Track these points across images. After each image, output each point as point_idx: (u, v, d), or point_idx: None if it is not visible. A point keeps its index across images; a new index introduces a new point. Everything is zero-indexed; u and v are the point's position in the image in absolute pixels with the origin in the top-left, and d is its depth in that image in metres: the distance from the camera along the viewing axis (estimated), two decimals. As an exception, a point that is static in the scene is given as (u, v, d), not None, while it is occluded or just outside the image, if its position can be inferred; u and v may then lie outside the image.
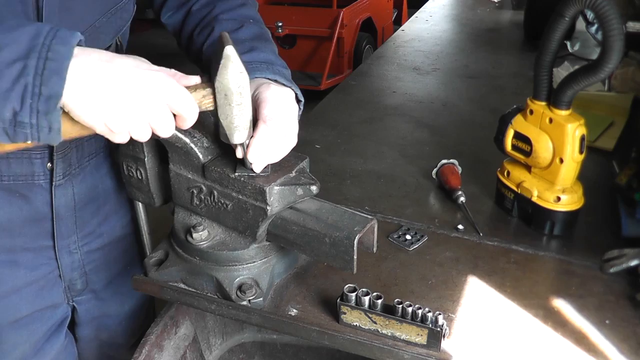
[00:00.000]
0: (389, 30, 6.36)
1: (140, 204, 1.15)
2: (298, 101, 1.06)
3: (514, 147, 1.24)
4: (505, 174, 1.28)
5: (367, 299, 0.94)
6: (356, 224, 0.93)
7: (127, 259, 1.33)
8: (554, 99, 1.15)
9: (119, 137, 0.84)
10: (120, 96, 0.79)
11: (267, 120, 0.93)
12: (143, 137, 0.85)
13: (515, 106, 1.26)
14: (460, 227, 1.25)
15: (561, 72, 1.95)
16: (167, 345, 1.13)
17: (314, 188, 0.98)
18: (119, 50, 1.15)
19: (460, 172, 1.40)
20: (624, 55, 1.46)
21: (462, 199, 1.32)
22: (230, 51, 0.84)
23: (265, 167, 0.96)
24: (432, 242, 1.21)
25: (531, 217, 1.23)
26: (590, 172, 1.28)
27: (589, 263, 1.13)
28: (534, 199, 1.21)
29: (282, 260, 1.07)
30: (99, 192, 1.22)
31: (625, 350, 0.94)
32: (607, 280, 1.08)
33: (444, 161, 1.41)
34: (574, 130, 1.13)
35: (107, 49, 1.08)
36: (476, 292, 1.06)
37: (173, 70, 0.88)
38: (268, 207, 0.95)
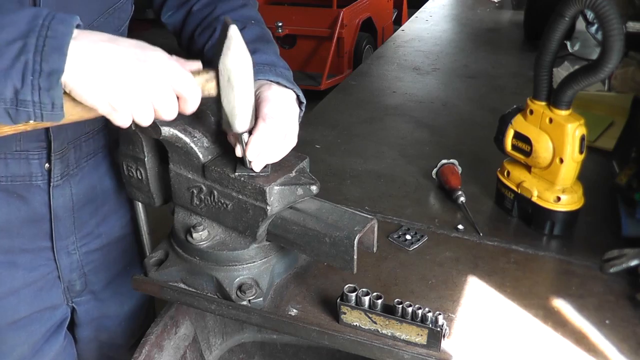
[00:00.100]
0: (389, 30, 6.35)
1: (140, 204, 1.15)
2: (300, 103, 1.06)
3: (514, 147, 1.24)
4: (505, 174, 1.28)
5: (367, 299, 0.94)
6: (356, 224, 0.93)
7: (126, 259, 1.33)
8: (554, 99, 1.15)
9: (122, 118, 0.82)
10: (123, 74, 0.79)
11: (267, 119, 0.93)
12: (145, 119, 0.84)
13: (515, 106, 1.26)
14: (460, 227, 1.25)
15: (561, 72, 1.95)
16: (167, 345, 1.13)
17: (314, 188, 0.98)
18: None
19: (460, 172, 1.40)
20: (624, 55, 1.46)
21: (462, 199, 1.32)
22: (234, 32, 0.83)
23: (265, 167, 0.96)
24: (432, 242, 1.21)
25: (531, 217, 1.23)
26: (590, 172, 1.28)
27: (589, 263, 1.13)
28: (534, 199, 1.21)
29: (282, 260, 1.07)
30: (97, 193, 1.22)
31: (625, 350, 0.94)
32: (607, 280, 1.08)
33: (444, 161, 1.41)
34: (574, 130, 1.13)
35: None
36: (476, 292, 1.06)
37: (174, 56, 0.87)
38: (268, 207, 0.95)
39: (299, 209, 0.98)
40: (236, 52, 0.84)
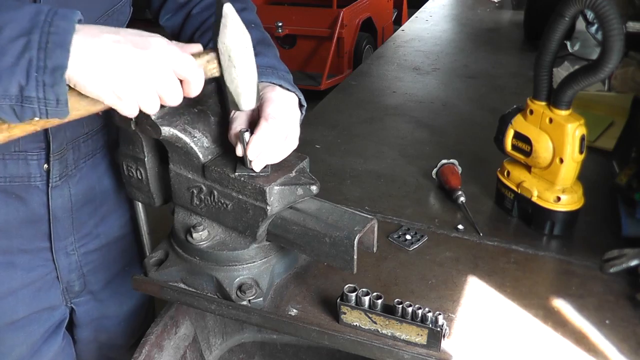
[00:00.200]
0: (389, 30, 6.35)
1: (139, 204, 1.15)
2: (301, 106, 1.07)
3: (514, 147, 1.24)
4: (505, 174, 1.28)
5: (367, 299, 0.94)
6: (356, 224, 0.93)
7: (125, 260, 1.33)
8: (554, 99, 1.15)
9: (128, 107, 0.83)
10: (126, 62, 0.79)
11: (269, 119, 0.94)
12: (152, 106, 0.84)
13: (515, 106, 1.26)
14: (460, 227, 1.25)
15: (561, 72, 1.95)
16: (167, 345, 1.13)
17: (314, 188, 0.98)
18: None
19: (460, 172, 1.40)
20: (624, 55, 1.46)
21: (462, 199, 1.32)
22: (228, 9, 0.84)
23: (265, 167, 0.96)
24: (432, 242, 1.21)
25: (531, 217, 1.23)
26: (590, 172, 1.28)
27: (589, 263, 1.13)
28: (534, 199, 1.21)
29: (282, 260, 1.07)
30: (95, 194, 1.22)
31: (625, 350, 0.94)
32: (607, 280, 1.08)
33: (444, 161, 1.41)
34: (574, 130, 1.13)
35: None
36: (476, 292, 1.06)
37: (173, 41, 0.88)
38: (268, 207, 0.95)
39: (299, 209, 0.98)
40: (233, 29, 0.85)
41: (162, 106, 0.86)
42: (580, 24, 2.28)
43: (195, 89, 0.86)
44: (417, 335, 0.92)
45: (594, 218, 1.26)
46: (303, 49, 5.52)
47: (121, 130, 1.05)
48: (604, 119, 1.69)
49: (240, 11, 1.16)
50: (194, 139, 0.98)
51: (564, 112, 1.14)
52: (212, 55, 0.87)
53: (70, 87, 0.79)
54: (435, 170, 1.42)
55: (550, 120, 1.16)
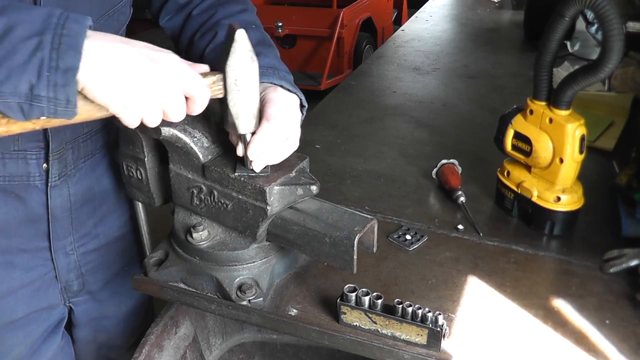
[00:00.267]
0: (389, 30, 6.35)
1: (139, 204, 1.15)
2: (302, 106, 1.07)
3: (514, 147, 1.24)
4: (505, 174, 1.28)
5: (367, 299, 0.94)
6: (356, 224, 0.93)
7: (124, 260, 1.33)
8: (554, 99, 1.15)
9: (132, 117, 0.83)
10: (137, 73, 0.80)
11: (271, 119, 0.94)
12: (154, 119, 0.85)
13: (515, 106, 1.26)
14: (460, 227, 1.25)
15: (561, 72, 1.95)
16: (167, 345, 1.13)
17: (314, 188, 0.98)
18: None
19: (460, 172, 1.40)
20: (624, 55, 1.46)
21: (462, 199, 1.32)
22: (240, 35, 0.85)
23: (265, 167, 0.96)
24: (432, 242, 1.21)
25: (531, 217, 1.23)
26: (590, 172, 1.28)
27: (589, 263, 1.13)
28: (534, 199, 1.21)
29: (282, 260, 1.07)
30: (95, 194, 1.22)
31: (625, 350, 0.94)
32: (607, 280, 1.08)
33: (444, 161, 1.41)
34: (574, 130, 1.13)
35: None
36: (476, 292, 1.06)
37: (182, 60, 0.88)
38: (268, 207, 0.95)
39: (299, 209, 0.98)
40: (243, 55, 0.86)
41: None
42: (580, 24, 2.28)
43: (199, 108, 0.88)
44: (417, 335, 0.92)
45: (594, 218, 1.26)
46: (303, 49, 5.52)
47: (121, 131, 1.05)
48: (604, 119, 1.69)
49: (240, 13, 1.17)
50: (194, 139, 0.98)
51: (564, 112, 1.14)
52: (218, 76, 0.89)
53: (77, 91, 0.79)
54: (435, 170, 1.42)
55: (550, 120, 1.16)
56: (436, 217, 1.30)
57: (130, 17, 1.18)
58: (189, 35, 1.18)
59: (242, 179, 0.95)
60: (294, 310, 1.02)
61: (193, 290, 1.07)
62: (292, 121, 0.99)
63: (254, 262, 1.03)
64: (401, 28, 2.98)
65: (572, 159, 1.14)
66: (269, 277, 1.04)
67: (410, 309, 0.92)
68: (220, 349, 1.29)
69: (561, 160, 1.15)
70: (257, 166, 0.95)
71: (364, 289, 0.95)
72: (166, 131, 0.95)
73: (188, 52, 1.19)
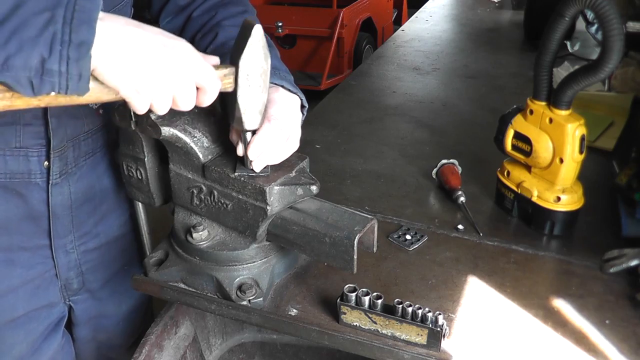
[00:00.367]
0: (389, 30, 6.36)
1: (140, 204, 1.15)
2: (302, 107, 1.07)
3: (514, 147, 1.24)
4: (505, 174, 1.28)
5: (367, 299, 0.94)
6: (356, 224, 0.93)
7: (124, 259, 1.33)
8: (554, 99, 1.15)
9: (141, 103, 0.82)
10: (150, 57, 0.79)
11: (272, 120, 0.94)
12: (163, 106, 0.84)
13: (515, 106, 1.26)
14: (460, 227, 1.25)
15: (561, 72, 1.95)
16: (167, 345, 1.13)
17: (314, 188, 0.98)
18: None
19: (460, 172, 1.40)
20: (624, 55, 1.46)
21: (462, 199, 1.32)
22: (257, 31, 0.85)
23: (265, 167, 0.96)
24: (432, 242, 1.21)
25: (531, 217, 1.23)
26: (590, 172, 1.28)
27: (589, 263, 1.13)
28: (534, 199, 1.21)
29: (282, 260, 1.07)
30: (95, 192, 1.22)
31: (625, 350, 0.94)
32: (607, 280, 1.08)
33: (444, 161, 1.41)
34: (574, 130, 1.13)
35: None
36: (476, 292, 1.06)
37: (195, 50, 0.88)
38: (268, 207, 0.95)
39: (299, 209, 0.98)
40: (258, 51, 0.86)
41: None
42: (580, 24, 2.28)
43: (209, 99, 0.87)
44: (417, 335, 0.92)
45: (594, 218, 1.26)
46: (303, 49, 5.52)
47: (121, 130, 1.05)
48: (604, 119, 1.69)
49: (240, 14, 1.17)
50: (194, 139, 0.98)
51: (564, 112, 1.14)
52: (230, 70, 0.88)
53: None
54: (435, 170, 1.42)
55: (550, 120, 1.16)
56: (436, 217, 1.30)
57: (131, 17, 1.18)
58: (190, 37, 1.18)
59: (242, 179, 0.95)
60: (294, 310, 1.02)
61: (193, 290, 1.07)
62: (293, 122, 0.99)
63: (254, 262, 1.03)
64: (401, 28, 2.98)
65: (572, 159, 1.14)
66: (269, 277, 1.04)
67: (410, 309, 0.92)
68: (220, 349, 1.29)
69: (561, 160, 1.15)
70: (257, 166, 0.95)
71: (364, 289, 0.95)
72: (166, 131, 0.95)
73: None
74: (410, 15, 4.27)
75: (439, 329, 0.90)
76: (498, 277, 1.10)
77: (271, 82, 1.02)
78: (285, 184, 0.96)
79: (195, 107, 0.99)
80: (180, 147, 0.98)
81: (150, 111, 0.93)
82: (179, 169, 1.02)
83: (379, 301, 0.94)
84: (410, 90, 2.10)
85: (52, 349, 1.23)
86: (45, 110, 1.05)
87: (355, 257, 0.91)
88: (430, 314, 0.91)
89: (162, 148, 1.03)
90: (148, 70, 0.79)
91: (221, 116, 1.02)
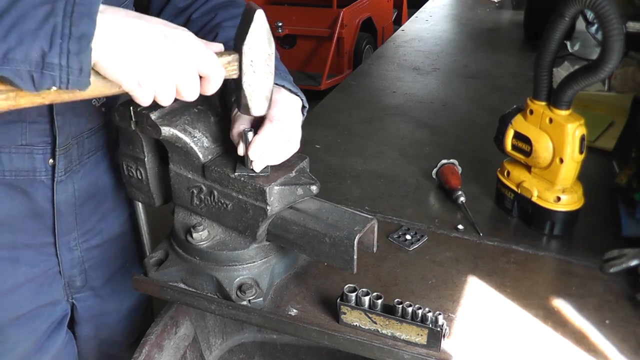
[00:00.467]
0: (389, 30, 6.36)
1: (139, 203, 1.15)
2: (302, 108, 1.07)
3: (514, 147, 1.24)
4: (505, 174, 1.28)
5: (367, 299, 0.94)
6: (356, 224, 0.93)
7: (125, 257, 1.33)
8: (554, 99, 1.15)
9: (145, 95, 0.82)
10: (152, 49, 0.79)
11: (274, 120, 0.94)
12: (167, 98, 0.83)
13: (515, 106, 1.26)
14: (460, 227, 1.25)
15: (561, 72, 1.95)
16: (167, 345, 1.13)
17: (314, 188, 0.98)
18: None
19: (460, 172, 1.40)
20: (624, 55, 1.46)
21: (462, 199, 1.32)
22: (259, 16, 0.84)
23: (265, 167, 0.96)
24: (432, 242, 1.21)
25: (531, 217, 1.23)
26: (590, 172, 1.28)
27: (589, 263, 1.13)
28: (534, 199, 1.21)
29: (282, 260, 1.07)
30: (98, 189, 1.22)
31: (625, 350, 0.94)
32: (607, 280, 1.08)
33: (444, 161, 1.41)
34: (574, 130, 1.13)
35: None
36: (476, 292, 1.06)
37: (197, 38, 0.87)
38: (268, 207, 0.95)
39: (299, 209, 0.98)
40: (262, 35, 0.85)
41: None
42: (580, 24, 2.28)
43: (213, 87, 0.86)
44: (417, 335, 0.92)
45: (594, 218, 1.26)
46: (303, 49, 5.52)
47: (121, 130, 1.05)
48: (604, 119, 1.69)
49: (240, 15, 1.17)
50: (194, 139, 0.98)
51: (564, 112, 1.14)
52: (234, 56, 0.87)
53: None
54: (435, 170, 1.42)
55: (550, 120, 1.16)
56: (436, 217, 1.30)
57: None
58: None
59: (242, 179, 0.95)
60: (294, 310, 1.02)
61: (193, 290, 1.07)
62: (294, 123, 0.99)
63: (254, 262, 1.03)
64: (401, 28, 2.99)
65: (572, 159, 1.14)
66: (269, 277, 1.04)
67: (410, 309, 0.92)
68: (220, 349, 1.29)
69: (561, 160, 1.15)
70: (258, 166, 0.95)
71: (364, 289, 0.95)
72: (166, 131, 0.95)
73: None
74: (410, 15, 4.27)
75: (439, 329, 0.90)
76: (498, 277, 1.10)
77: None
78: (285, 184, 0.96)
79: (196, 107, 1.00)
80: (180, 147, 0.98)
81: (150, 111, 0.93)
82: (179, 169, 1.02)
83: (379, 301, 0.94)
84: (410, 90, 2.10)
85: (55, 346, 1.24)
86: (50, 107, 1.05)
87: (355, 257, 0.91)
88: (430, 314, 0.91)
89: (162, 148, 1.03)
90: (150, 61, 0.79)
91: (221, 116, 1.02)
